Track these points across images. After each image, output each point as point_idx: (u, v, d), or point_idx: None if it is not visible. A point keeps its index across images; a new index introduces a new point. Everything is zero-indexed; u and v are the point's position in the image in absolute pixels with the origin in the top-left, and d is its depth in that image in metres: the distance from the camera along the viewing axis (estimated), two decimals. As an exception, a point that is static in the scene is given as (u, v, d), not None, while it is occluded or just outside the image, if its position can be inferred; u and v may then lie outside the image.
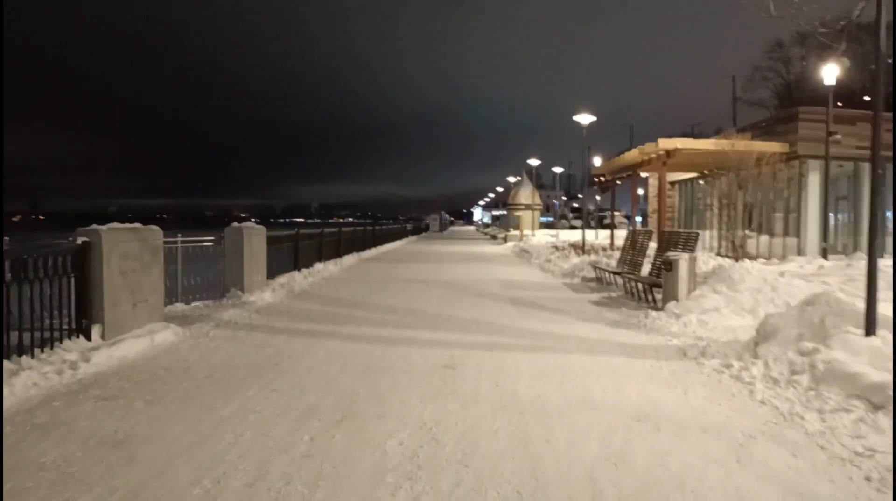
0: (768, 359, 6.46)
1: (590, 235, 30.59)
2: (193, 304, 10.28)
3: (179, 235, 10.17)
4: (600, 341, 8.02)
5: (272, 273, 13.30)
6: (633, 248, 14.54)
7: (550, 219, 78.88)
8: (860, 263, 12.28)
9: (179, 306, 9.97)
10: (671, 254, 10.60)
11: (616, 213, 79.26)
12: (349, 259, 20.49)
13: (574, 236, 39.31)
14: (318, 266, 16.45)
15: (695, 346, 7.53)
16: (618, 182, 30.61)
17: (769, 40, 52.43)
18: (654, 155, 20.10)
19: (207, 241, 10.80)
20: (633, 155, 21.05)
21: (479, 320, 9.53)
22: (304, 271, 15.14)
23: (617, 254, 18.36)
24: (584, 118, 21.16)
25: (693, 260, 10.47)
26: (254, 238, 11.30)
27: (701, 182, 28.08)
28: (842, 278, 10.95)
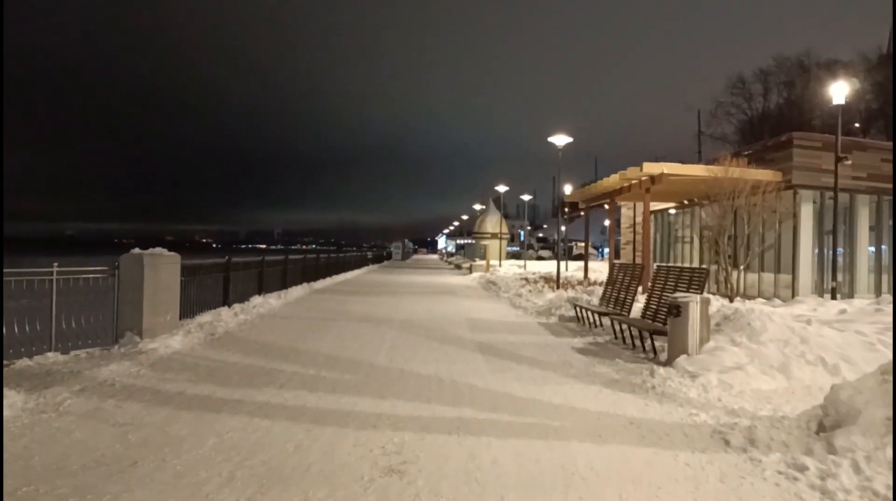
0: (856, 457, 4.48)
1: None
2: (73, 353, 7.94)
3: (56, 264, 7.84)
4: (603, 414, 5.96)
5: (193, 310, 11.03)
6: (620, 284, 12.63)
7: (516, 249, 77.41)
8: (889, 307, 10.50)
9: (51, 358, 7.61)
10: (679, 296, 8.64)
11: (583, 243, 78.07)
12: (297, 291, 18.16)
13: (543, 267, 37.52)
14: (256, 300, 14.15)
15: (734, 426, 5.52)
16: (583, 210, 28.97)
17: (731, 76, 52.66)
18: (635, 181, 18.35)
19: (97, 272, 8.45)
20: (612, 181, 19.27)
21: (442, 378, 7.39)
22: (238, 306, 12.84)
23: (596, 289, 16.45)
24: (560, 139, 19.34)
25: (706, 304, 8.52)
26: (161, 268, 8.99)
27: (672, 212, 26.56)
28: (877, 327, 9.13)
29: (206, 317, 10.99)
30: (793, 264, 17.97)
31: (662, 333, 9.21)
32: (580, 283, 21.14)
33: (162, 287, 9.00)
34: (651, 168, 16.54)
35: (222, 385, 6.66)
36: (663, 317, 9.98)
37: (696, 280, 9.62)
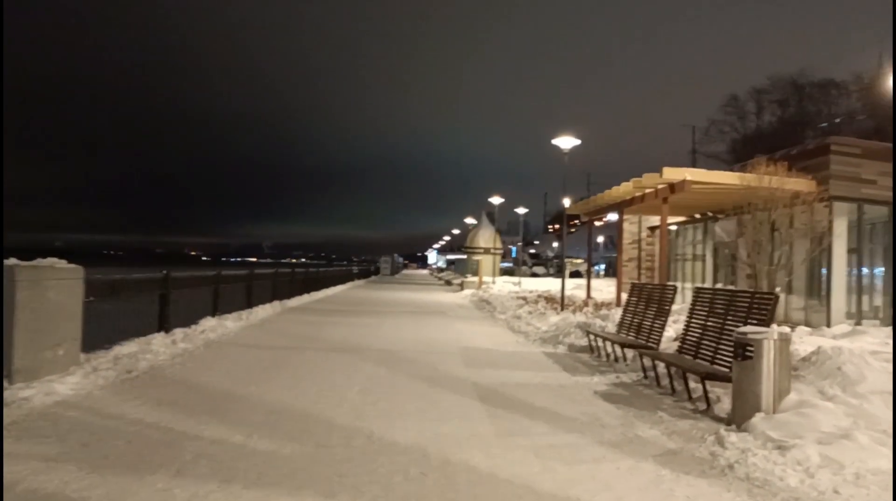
0: None
1: (555, 284, 26.54)
2: None
3: None
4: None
5: (113, 338, 8.72)
6: (644, 309, 10.42)
7: (510, 265, 75.27)
8: None
9: None
10: (748, 330, 6.40)
11: (577, 260, 76.02)
12: (263, 311, 15.79)
13: (539, 284, 35.27)
14: (208, 323, 11.79)
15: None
16: (575, 226, 26.84)
17: (725, 95, 52.17)
18: (651, 190, 16.18)
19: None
20: (624, 189, 17.08)
21: (427, 452, 5.09)
22: (180, 331, 10.49)
23: (612, 314, 14.22)
24: (565, 142, 17.17)
25: (786, 342, 6.30)
26: (49, 286, 6.65)
27: (673, 227, 24.49)
28: None
29: (129, 347, 8.65)
30: (828, 286, 15.82)
31: (719, 378, 7.01)
32: (585, 304, 18.91)
33: (51, 312, 6.67)
34: (672, 174, 14.37)
35: (88, 469, 4.33)
36: (709, 354, 7.80)
37: (758, 308, 7.39)
